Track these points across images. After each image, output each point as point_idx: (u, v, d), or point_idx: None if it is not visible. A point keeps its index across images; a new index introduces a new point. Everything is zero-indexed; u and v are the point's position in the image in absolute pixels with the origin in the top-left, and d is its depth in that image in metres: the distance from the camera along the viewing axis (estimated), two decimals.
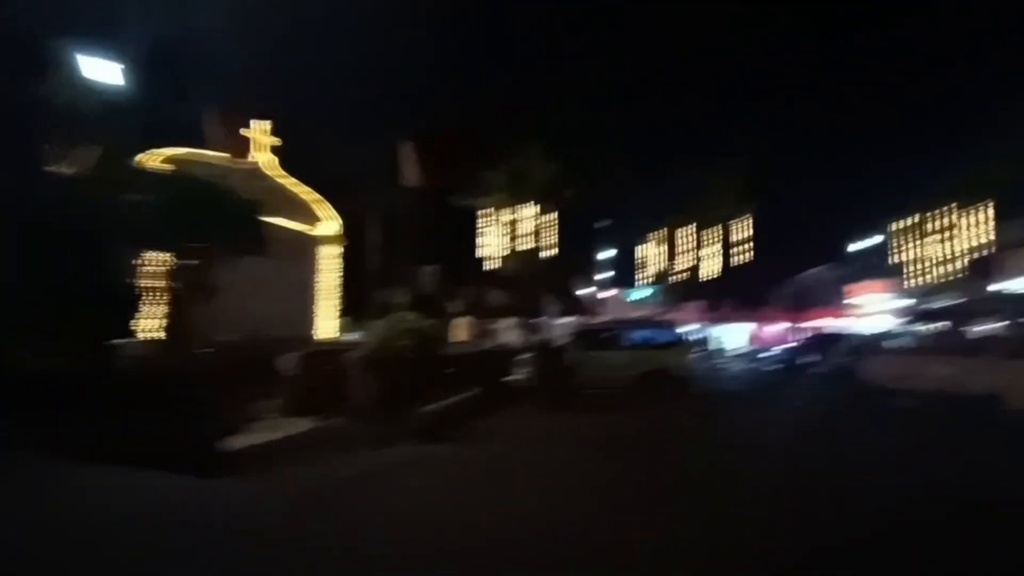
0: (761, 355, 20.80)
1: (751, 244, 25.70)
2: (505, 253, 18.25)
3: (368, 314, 7.18)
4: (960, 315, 8.22)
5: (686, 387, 9.32)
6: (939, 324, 8.60)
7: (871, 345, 11.65)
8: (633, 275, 31.94)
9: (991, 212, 19.84)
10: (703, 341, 20.25)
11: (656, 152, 29.20)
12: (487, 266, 18.98)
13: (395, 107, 17.31)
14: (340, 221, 9.98)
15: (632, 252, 32.18)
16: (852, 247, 25.99)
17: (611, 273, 26.85)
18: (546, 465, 4.65)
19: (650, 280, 29.20)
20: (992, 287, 21.41)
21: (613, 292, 27.04)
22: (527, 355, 9.99)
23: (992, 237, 19.27)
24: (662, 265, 27.89)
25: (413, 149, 13.52)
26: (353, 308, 10.31)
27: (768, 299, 25.88)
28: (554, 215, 17.78)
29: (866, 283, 26.87)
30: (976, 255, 20.64)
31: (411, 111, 17.60)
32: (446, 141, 14.64)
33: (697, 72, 40.77)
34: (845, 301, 27.07)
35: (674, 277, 25.45)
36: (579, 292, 21.37)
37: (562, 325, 16.01)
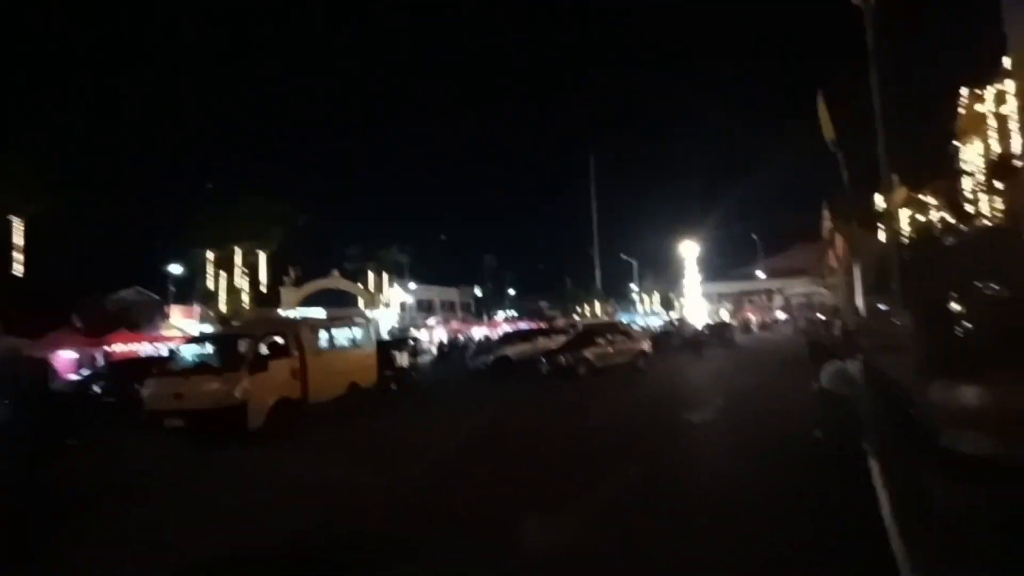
0: None
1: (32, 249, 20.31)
2: None
3: None
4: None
5: None
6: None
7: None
8: None
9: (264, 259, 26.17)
10: None
11: None
12: None
13: None
14: None
15: None
16: (171, 269, 26.44)
17: None
18: None
19: None
20: (281, 312, 27.87)
21: None
22: None
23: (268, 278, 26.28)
24: None
25: None
26: None
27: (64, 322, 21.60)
28: None
29: (182, 306, 27.96)
30: (264, 289, 26.38)
31: None
32: None
33: None
34: (164, 323, 26.89)
35: None
36: None
37: None
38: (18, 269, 20.08)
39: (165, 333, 25.44)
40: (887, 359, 5.73)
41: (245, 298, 25.44)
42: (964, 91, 22.07)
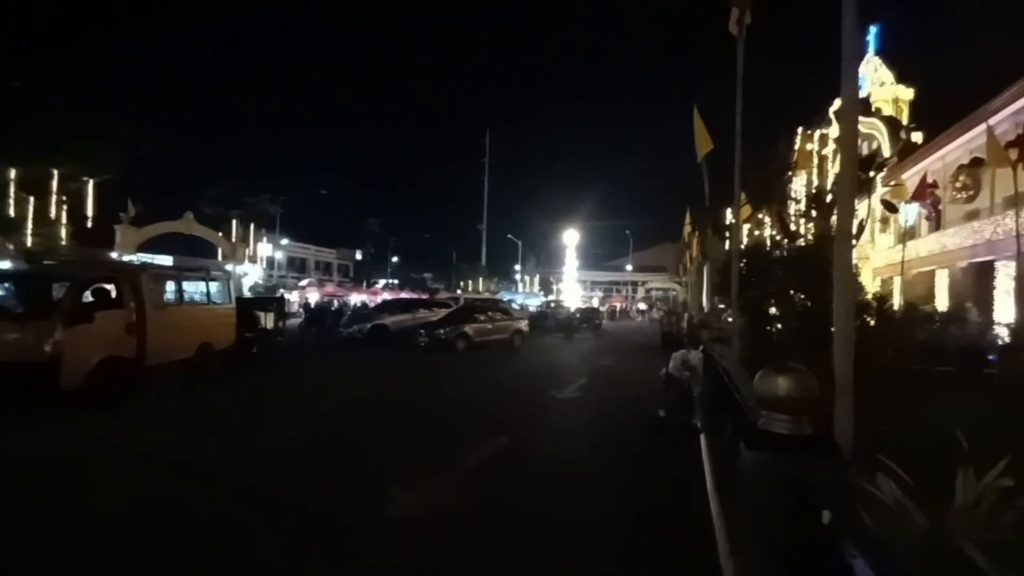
0: None
1: None
2: None
3: None
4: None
5: None
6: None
7: None
8: None
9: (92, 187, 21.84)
10: None
11: None
12: None
13: None
14: None
15: None
16: None
17: None
18: None
19: None
20: (114, 255, 23.46)
21: None
22: None
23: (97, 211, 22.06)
24: None
25: None
26: None
27: None
28: None
29: None
30: (89, 227, 21.96)
31: None
32: None
33: None
34: None
35: None
36: None
37: None
38: None
39: None
40: (720, 349, 6.74)
41: (63, 232, 20.88)
42: (799, 130, 26.26)
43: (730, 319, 8.40)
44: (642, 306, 49.33)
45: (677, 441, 5.57)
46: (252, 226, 33.96)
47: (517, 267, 54.82)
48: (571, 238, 45.33)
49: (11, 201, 19.65)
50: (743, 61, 6.40)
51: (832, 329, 2.56)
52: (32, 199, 20.10)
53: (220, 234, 31.83)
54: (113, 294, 8.00)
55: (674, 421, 6.18)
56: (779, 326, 8.38)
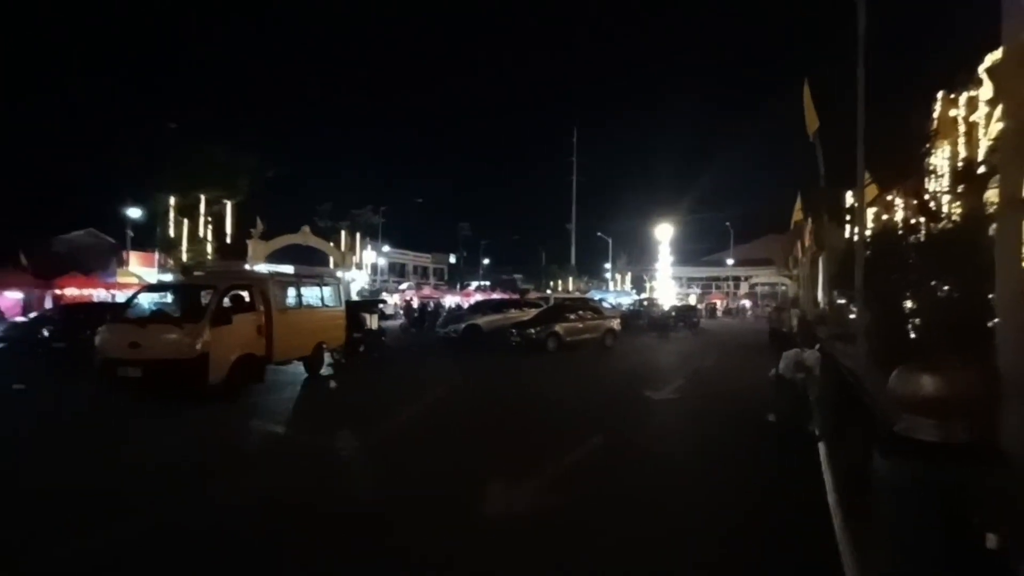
0: None
1: None
2: None
3: None
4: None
5: None
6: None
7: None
8: None
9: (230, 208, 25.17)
10: None
11: None
12: None
13: None
14: None
15: None
16: (128, 212, 25.02)
17: None
18: None
19: None
20: (247, 266, 26.97)
21: None
22: None
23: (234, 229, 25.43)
24: None
25: None
26: None
27: (9, 261, 20.36)
28: None
29: (140, 253, 26.67)
30: (229, 240, 25.39)
31: None
32: None
33: None
34: (119, 269, 25.68)
35: None
36: None
37: None
38: None
39: (121, 280, 24.28)
40: (842, 348, 6.00)
41: (209, 248, 24.39)
42: (939, 95, 22.53)
43: (852, 315, 7.44)
44: (745, 302, 45.72)
45: (789, 448, 5.05)
46: (358, 235, 36.93)
47: (607, 265, 53.60)
48: (664, 233, 43.31)
49: (171, 224, 23.45)
50: (865, 21, 5.65)
51: (990, 323, 2.13)
52: (186, 221, 23.79)
53: (331, 244, 35.01)
54: (246, 299, 9.12)
55: (786, 426, 5.61)
56: (917, 321, 7.25)
